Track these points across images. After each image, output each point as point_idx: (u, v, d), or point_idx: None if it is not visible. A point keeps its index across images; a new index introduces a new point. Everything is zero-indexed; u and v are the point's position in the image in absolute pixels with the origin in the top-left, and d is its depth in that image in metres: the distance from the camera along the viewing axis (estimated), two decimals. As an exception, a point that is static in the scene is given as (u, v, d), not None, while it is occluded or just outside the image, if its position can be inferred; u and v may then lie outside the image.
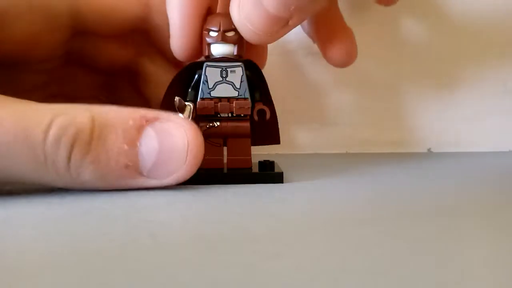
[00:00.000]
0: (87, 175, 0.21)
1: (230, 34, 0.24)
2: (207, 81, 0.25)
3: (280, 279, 0.12)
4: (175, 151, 0.21)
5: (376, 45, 0.37)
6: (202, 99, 0.25)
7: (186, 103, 0.24)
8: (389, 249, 0.14)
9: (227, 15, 0.24)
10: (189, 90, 0.25)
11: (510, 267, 0.13)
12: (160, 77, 0.29)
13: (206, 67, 0.25)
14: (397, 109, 0.38)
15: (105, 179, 0.21)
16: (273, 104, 0.26)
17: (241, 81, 0.25)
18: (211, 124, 0.25)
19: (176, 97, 0.23)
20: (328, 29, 0.31)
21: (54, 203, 0.20)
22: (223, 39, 0.24)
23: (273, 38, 0.24)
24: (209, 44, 0.25)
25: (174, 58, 0.26)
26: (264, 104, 0.25)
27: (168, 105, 0.24)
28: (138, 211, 0.19)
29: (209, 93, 0.25)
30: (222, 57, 0.25)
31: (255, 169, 0.25)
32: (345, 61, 0.31)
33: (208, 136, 0.25)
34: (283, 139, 0.27)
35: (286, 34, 0.24)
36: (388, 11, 0.37)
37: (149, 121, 0.21)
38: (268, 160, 0.25)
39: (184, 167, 0.22)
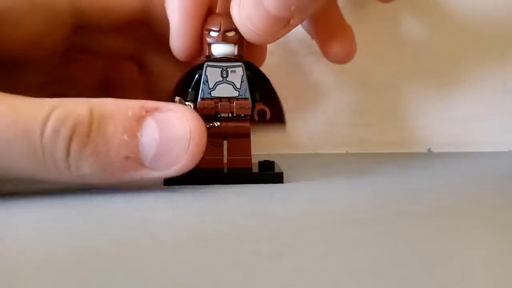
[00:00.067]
0: (86, 168, 0.20)
1: (231, 34, 0.24)
2: (207, 81, 0.25)
3: (280, 279, 0.12)
4: (176, 140, 0.21)
5: (376, 45, 0.37)
6: (203, 99, 0.25)
7: (186, 103, 0.24)
8: (389, 249, 0.14)
9: (227, 15, 0.24)
10: (190, 90, 0.25)
11: (510, 267, 0.13)
12: (166, 70, 0.29)
13: (206, 67, 0.25)
14: (397, 109, 0.38)
15: (105, 172, 0.21)
16: (276, 96, 0.26)
17: (241, 81, 0.25)
18: (211, 124, 0.25)
19: (176, 97, 0.23)
20: (327, 26, 0.31)
21: (54, 203, 0.20)
22: (224, 39, 0.24)
23: (273, 38, 0.24)
24: (209, 44, 0.25)
25: None
26: (266, 103, 0.25)
27: None
28: (138, 211, 0.19)
29: (210, 93, 0.25)
30: (223, 57, 0.25)
31: (255, 169, 0.25)
32: (344, 58, 0.31)
33: (208, 136, 0.24)
34: (284, 139, 0.27)
35: (287, 34, 0.24)
36: (388, 10, 0.37)
37: (149, 112, 0.21)
38: (268, 160, 0.25)
39: (186, 157, 0.21)
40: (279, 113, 0.26)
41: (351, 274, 0.12)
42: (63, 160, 0.20)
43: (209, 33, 0.25)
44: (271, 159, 0.26)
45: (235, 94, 0.25)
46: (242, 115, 0.25)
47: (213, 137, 0.25)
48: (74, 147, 0.20)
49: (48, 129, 0.19)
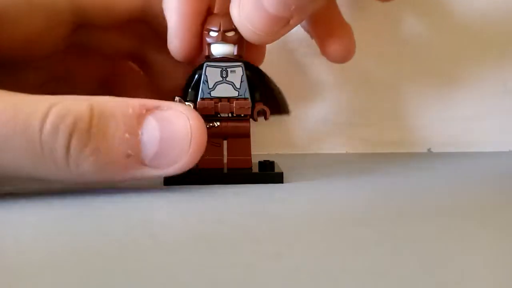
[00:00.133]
0: (86, 165, 0.20)
1: (230, 34, 0.24)
2: (207, 81, 0.25)
3: (280, 279, 0.12)
4: (178, 139, 0.21)
5: (376, 45, 0.37)
6: (202, 99, 0.25)
7: (186, 103, 0.24)
8: (389, 249, 0.14)
9: (227, 15, 0.24)
10: (189, 90, 0.25)
11: (510, 267, 0.13)
12: (167, 67, 0.29)
13: (206, 67, 0.25)
14: (397, 109, 0.38)
15: (105, 170, 0.20)
16: (274, 84, 0.26)
17: (241, 81, 0.25)
18: (211, 124, 0.25)
19: (176, 97, 0.23)
20: (326, 25, 0.31)
21: (54, 203, 0.20)
22: (223, 39, 0.24)
23: (273, 38, 0.24)
24: (209, 44, 0.25)
25: None
26: (266, 103, 0.25)
27: None
28: (138, 211, 0.19)
29: (209, 93, 0.25)
30: (222, 57, 0.25)
31: (255, 169, 0.25)
32: (344, 57, 0.31)
33: (208, 136, 0.24)
34: (284, 139, 0.27)
35: (287, 34, 0.24)
36: (387, 10, 0.37)
37: (149, 110, 0.21)
38: (268, 160, 0.25)
39: (187, 155, 0.21)
40: (283, 105, 0.26)
41: (351, 274, 0.12)
42: (63, 157, 0.20)
43: (208, 33, 0.25)
44: (271, 159, 0.26)
45: (235, 94, 0.25)
46: (242, 115, 0.25)
47: (213, 137, 0.25)
48: (74, 144, 0.20)
49: (48, 125, 0.19)
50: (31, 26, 0.25)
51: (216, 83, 0.25)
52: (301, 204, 0.21)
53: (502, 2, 0.37)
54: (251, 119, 0.25)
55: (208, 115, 0.25)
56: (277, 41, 0.25)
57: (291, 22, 0.23)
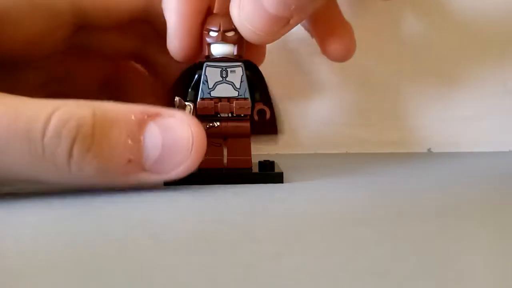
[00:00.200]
0: (88, 170, 0.20)
1: (230, 34, 0.24)
2: (207, 81, 0.25)
3: (280, 279, 0.12)
4: (179, 145, 0.21)
5: (376, 45, 0.37)
6: (202, 99, 0.25)
7: (186, 103, 0.24)
8: (389, 249, 0.14)
9: (227, 15, 0.24)
10: (189, 90, 0.25)
11: (510, 267, 0.13)
12: (169, 67, 0.29)
13: (206, 67, 0.25)
14: (397, 109, 0.38)
15: (106, 175, 0.21)
16: (270, 98, 0.26)
17: (241, 81, 0.25)
18: (211, 124, 0.25)
19: (176, 97, 0.23)
20: (327, 24, 0.31)
21: (54, 203, 0.20)
22: (223, 39, 0.24)
23: (273, 38, 0.24)
24: (209, 44, 0.25)
25: None
26: (264, 104, 0.25)
27: (172, 106, 0.24)
28: (138, 211, 0.19)
29: (209, 93, 0.25)
30: (222, 57, 0.25)
31: (255, 169, 0.25)
32: (344, 56, 0.31)
33: (208, 136, 0.24)
34: (284, 139, 0.27)
35: (287, 34, 0.24)
36: (388, 10, 0.37)
37: (150, 117, 0.21)
38: (268, 160, 0.25)
39: (187, 162, 0.21)
40: (273, 122, 0.26)
41: (351, 274, 0.12)
42: (65, 161, 0.20)
43: (208, 33, 0.25)
44: (271, 159, 0.26)
45: (235, 94, 0.25)
46: (242, 115, 0.25)
47: (213, 137, 0.25)
48: (76, 149, 0.20)
49: (50, 129, 0.19)
50: (32, 27, 0.25)
51: (216, 83, 0.25)
52: (301, 204, 0.21)
53: (502, 2, 0.37)
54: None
55: (208, 115, 0.25)
56: (277, 40, 0.25)
57: (291, 22, 0.23)
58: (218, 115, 0.25)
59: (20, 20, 0.24)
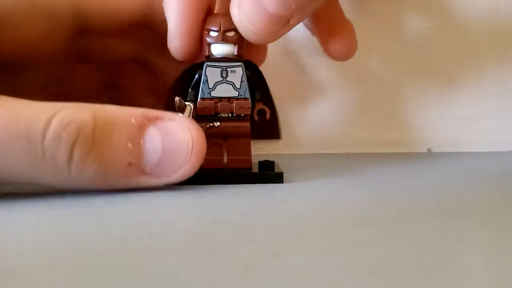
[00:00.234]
0: (87, 173, 0.20)
1: (230, 34, 0.24)
2: (207, 81, 0.25)
3: (280, 279, 0.12)
4: (179, 149, 0.21)
5: (376, 45, 0.37)
6: (203, 99, 0.25)
7: (186, 103, 0.24)
8: (389, 249, 0.14)
9: (227, 15, 0.24)
10: (189, 90, 0.25)
11: (510, 267, 0.13)
12: (170, 71, 0.29)
13: (206, 67, 0.25)
14: (397, 109, 0.38)
15: (107, 178, 0.21)
16: (273, 102, 0.26)
17: (241, 81, 0.25)
18: (211, 124, 0.25)
19: (176, 97, 0.23)
20: (328, 23, 0.31)
21: (54, 203, 0.20)
22: (223, 39, 0.24)
23: (273, 38, 0.24)
24: (209, 44, 0.25)
25: None
26: (264, 104, 0.25)
27: (172, 106, 0.24)
28: (138, 211, 0.19)
29: (209, 93, 0.25)
30: (222, 57, 0.25)
31: (255, 169, 0.25)
32: (345, 55, 0.31)
33: (208, 136, 0.24)
34: (284, 139, 0.27)
35: (287, 33, 0.24)
36: (388, 9, 0.37)
37: (150, 120, 0.21)
38: (268, 160, 0.25)
39: (187, 166, 0.21)
40: (276, 127, 0.26)
41: (351, 274, 0.12)
42: (65, 164, 0.20)
43: (208, 33, 0.25)
44: (271, 159, 0.26)
45: (235, 94, 0.25)
46: (242, 115, 0.25)
47: (213, 137, 0.25)
48: (77, 152, 0.20)
49: (50, 132, 0.19)
50: (32, 28, 0.25)
51: (216, 83, 0.25)
52: (301, 204, 0.21)
53: (502, 2, 0.37)
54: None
55: (208, 115, 0.25)
56: (277, 40, 0.25)
57: (291, 21, 0.23)
58: (218, 115, 0.25)
59: (21, 22, 0.24)
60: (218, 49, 0.25)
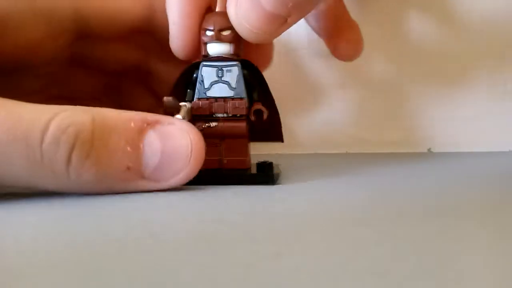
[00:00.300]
0: (87, 177, 0.20)
1: (226, 33, 0.24)
2: (203, 81, 0.25)
3: (280, 279, 0.12)
4: (178, 154, 0.21)
5: (376, 46, 0.37)
6: (198, 99, 0.25)
7: (182, 103, 0.24)
8: (389, 249, 0.14)
9: (222, 14, 0.24)
10: (188, 90, 0.25)
11: (510, 267, 0.13)
12: (172, 75, 0.29)
13: (202, 66, 0.25)
14: (397, 109, 0.38)
15: (105, 182, 0.21)
16: (274, 102, 0.25)
17: (237, 81, 0.25)
18: (207, 125, 0.25)
19: (164, 97, 0.23)
20: (334, 24, 0.31)
21: (54, 203, 0.20)
22: (218, 38, 0.24)
23: (271, 37, 0.24)
24: (205, 44, 0.25)
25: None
26: (263, 104, 0.25)
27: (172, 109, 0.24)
28: (138, 211, 0.19)
29: (205, 93, 0.25)
30: (218, 57, 0.25)
31: (255, 169, 0.25)
32: (352, 56, 0.31)
33: (205, 137, 0.24)
34: (284, 139, 0.27)
35: (287, 34, 0.24)
36: (388, 10, 0.37)
37: (150, 125, 0.21)
38: (266, 161, 0.25)
39: (186, 170, 0.22)
40: (278, 129, 0.26)
41: (351, 274, 0.12)
42: (63, 168, 0.20)
43: (205, 32, 0.24)
44: (271, 159, 0.25)
45: (231, 94, 0.25)
46: (238, 115, 0.25)
47: (210, 137, 0.24)
48: (75, 156, 0.20)
49: (49, 135, 0.19)
50: (34, 32, 0.25)
51: (212, 83, 0.25)
52: (301, 204, 0.21)
53: (502, 3, 0.37)
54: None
55: (203, 115, 0.25)
56: (277, 40, 0.25)
57: (289, 20, 0.23)
58: (214, 115, 0.25)
59: (22, 25, 0.24)
60: (214, 49, 0.25)
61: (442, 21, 0.37)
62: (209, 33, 0.24)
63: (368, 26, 0.37)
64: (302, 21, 0.31)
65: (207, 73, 0.25)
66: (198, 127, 0.25)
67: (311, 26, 0.33)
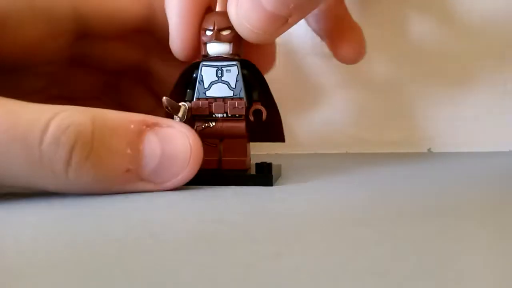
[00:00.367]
0: (86, 178, 0.20)
1: (225, 32, 0.24)
2: (202, 81, 0.25)
3: (280, 279, 0.12)
4: (177, 156, 0.21)
5: (376, 46, 0.37)
6: (198, 99, 0.25)
7: (181, 103, 0.24)
8: (389, 249, 0.14)
9: (222, 13, 0.24)
10: (188, 90, 0.25)
11: (510, 267, 0.13)
12: (171, 77, 0.29)
13: (202, 66, 0.25)
14: (397, 109, 0.38)
15: (104, 183, 0.21)
16: (274, 102, 0.25)
17: (236, 81, 0.25)
18: (206, 125, 0.25)
19: (164, 97, 0.23)
20: (337, 27, 0.31)
21: (54, 203, 0.20)
22: (217, 38, 0.24)
23: (272, 37, 0.24)
24: (205, 43, 0.25)
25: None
26: (263, 105, 0.25)
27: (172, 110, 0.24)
28: (138, 211, 0.19)
29: (205, 93, 0.25)
30: (218, 56, 0.25)
31: (254, 170, 0.25)
32: (354, 59, 0.31)
33: (204, 137, 0.24)
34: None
35: (287, 34, 0.24)
36: (389, 11, 0.37)
37: (149, 127, 0.21)
38: (265, 162, 0.25)
39: (185, 172, 0.22)
40: (279, 130, 0.26)
41: (351, 274, 0.12)
42: (63, 168, 0.20)
43: (204, 32, 0.24)
44: (271, 159, 0.25)
45: (230, 93, 0.25)
46: (237, 115, 0.25)
47: (209, 138, 0.24)
48: (75, 157, 0.20)
49: (49, 136, 0.19)
50: (33, 31, 0.25)
51: (212, 83, 0.25)
52: (301, 204, 0.21)
53: (503, 3, 0.37)
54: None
55: (203, 115, 0.25)
56: (278, 41, 0.25)
57: (290, 20, 0.23)
58: (213, 115, 0.25)
59: (21, 24, 0.24)
60: (214, 48, 0.24)
61: (442, 21, 0.38)
62: (208, 33, 0.24)
63: (368, 27, 0.37)
64: (302, 21, 0.31)
65: (206, 73, 0.25)
66: (197, 127, 0.25)
67: (312, 27, 0.33)
